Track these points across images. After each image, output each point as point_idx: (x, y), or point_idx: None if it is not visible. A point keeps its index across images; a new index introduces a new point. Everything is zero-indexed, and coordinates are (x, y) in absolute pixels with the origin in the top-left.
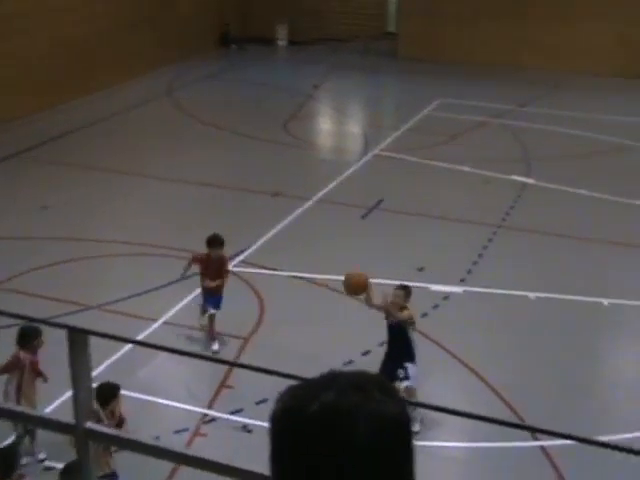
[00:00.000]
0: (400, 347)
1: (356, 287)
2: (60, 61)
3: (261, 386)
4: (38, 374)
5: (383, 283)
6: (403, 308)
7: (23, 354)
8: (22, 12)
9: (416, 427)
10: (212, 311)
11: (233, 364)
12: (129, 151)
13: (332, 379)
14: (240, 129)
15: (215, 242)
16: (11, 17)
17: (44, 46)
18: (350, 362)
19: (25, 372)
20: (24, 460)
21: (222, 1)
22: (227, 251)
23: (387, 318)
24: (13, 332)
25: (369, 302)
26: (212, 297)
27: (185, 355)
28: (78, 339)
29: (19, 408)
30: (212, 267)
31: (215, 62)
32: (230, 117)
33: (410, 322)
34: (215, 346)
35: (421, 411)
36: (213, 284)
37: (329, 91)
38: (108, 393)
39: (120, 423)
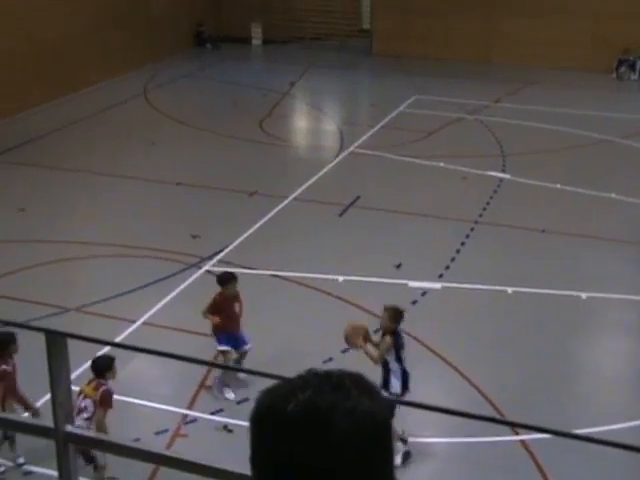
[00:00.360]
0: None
1: (351, 338)
2: (32, 63)
3: (241, 386)
4: (8, 390)
5: (360, 280)
6: (388, 331)
7: None
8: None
9: (397, 459)
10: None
11: (212, 364)
12: (105, 152)
13: (310, 378)
14: (216, 128)
15: (232, 279)
16: None
17: (15, 47)
18: (329, 360)
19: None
20: (1, 467)
21: (196, 1)
22: (204, 251)
23: None
24: None
25: (367, 354)
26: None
27: (164, 356)
28: (56, 342)
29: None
30: (230, 306)
31: (190, 62)
32: (206, 116)
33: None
34: (230, 394)
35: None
36: (217, 320)
37: (304, 89)
38: (103, 364)
39: (103, 400)
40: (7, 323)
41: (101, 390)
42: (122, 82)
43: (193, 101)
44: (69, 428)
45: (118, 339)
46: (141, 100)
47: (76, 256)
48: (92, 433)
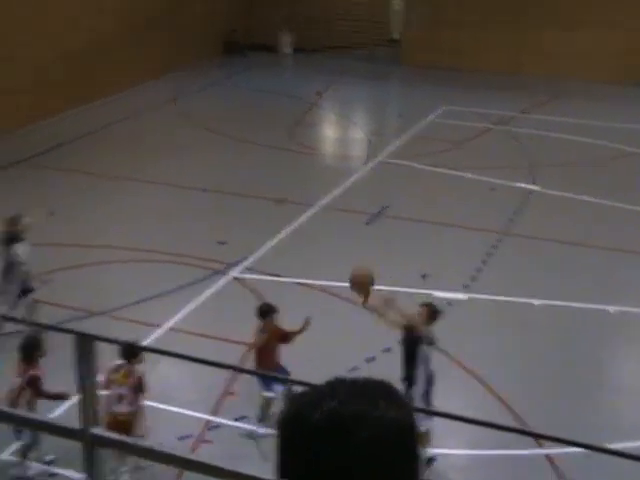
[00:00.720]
0: (406, 367)
1: (359, 284)
2: (63, 68)
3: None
4: (37, 393)
5: (387, 289)
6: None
7: (24, 368)
8: (24, 22)
9: None
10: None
11: (237, 369)
12: (135, 158)
13: (336, 386)
14: (245, 136)
15: (273, 311)
16: (15, 27)
17: (47, 55)
18: (354, 369)
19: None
20: (31, 471)
21: (227, 9)
22: (231, 257)
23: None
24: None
25: (383, 318)
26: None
27: (190, 360)
28: (85, 345)
29: (25, 414)
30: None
31: (220, 69)
32: (235, 124)
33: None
34: (264, 430)
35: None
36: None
37: (333, 98)
38: (129, 351)
39: (140, 385)
40: (37, 325)
41: (137, 376)
42: (152, 88)
43: (222, 108)
44: (96, 430)
45: (144, 343)
46: (170, 106)
47: (103, 260)
48: (118, 436)
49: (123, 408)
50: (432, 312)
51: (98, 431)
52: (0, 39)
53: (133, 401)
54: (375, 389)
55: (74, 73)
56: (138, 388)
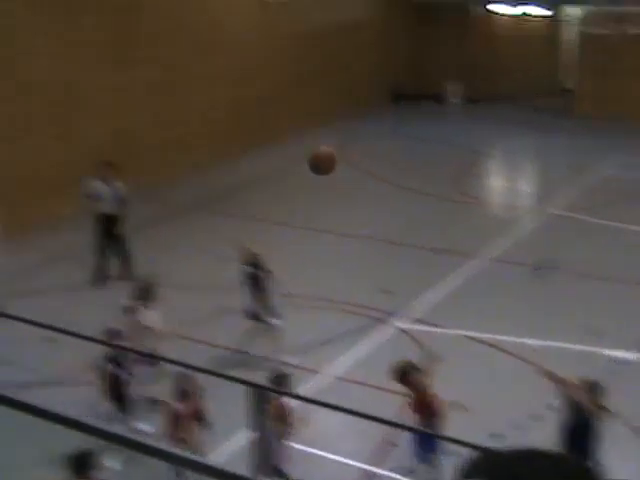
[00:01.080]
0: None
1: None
2: (237, 118)
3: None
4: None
5: (553, 346)
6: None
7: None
8: (204, 74)
9: None
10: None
11: (399, 426)
12: (300, 204)
13: (531, 460)
14: (410, 185)
15: (414, 369)
16: (193, 78)
17: (219, 102)
18: (517, 428)
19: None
20: None
21: (395, 59)
22: (394, 306)
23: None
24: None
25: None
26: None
27: (355, 415)
28: (260, 396)
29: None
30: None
31: (386, 118)
32: (400, 173)
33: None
34: None
35: None
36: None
37: (502, 149)
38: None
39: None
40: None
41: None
42: (320, 136)
43: (388, 157)
44: None
45: (304, 389)
46: (338, 153)
47: None
48: None
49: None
50: (593, 387)
51: None
52: (174, 94)
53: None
54: (574, 472)
55: (248, 120)
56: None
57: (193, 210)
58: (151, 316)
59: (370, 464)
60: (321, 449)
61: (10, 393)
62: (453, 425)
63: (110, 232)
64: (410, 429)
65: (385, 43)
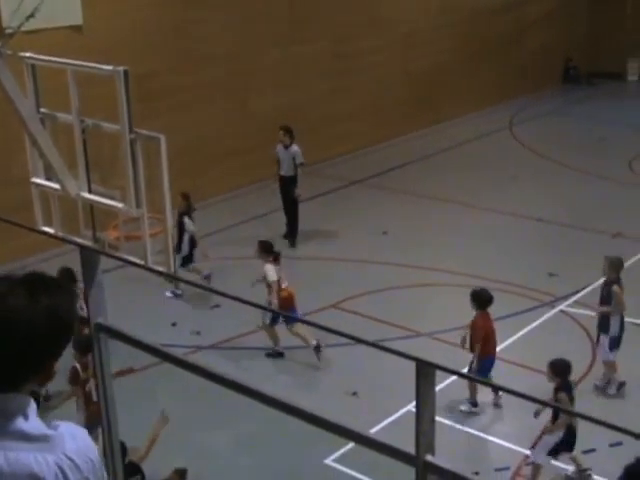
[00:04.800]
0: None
1: None
2: (405, 93)
3: (592, 436)
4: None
5: None
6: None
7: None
8: (377, 47)
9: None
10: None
11: (567, 412)
12: (468, 183)
13: None
14: (580, 166)
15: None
16: (364, 53)
17: (386, 80)
18: None
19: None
20: None
21: (568, 36)
22: (560, 290)
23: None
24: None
25: None
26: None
27: (511, 393)
28: (426, 372)
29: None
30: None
31: (559, 97)
32: (570, 153)
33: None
34: None
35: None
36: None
37: None
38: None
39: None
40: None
41: None
42: (489, 115)
43: (559, 137)
44: (429, 458)
45: (465, 369)
46: (506, 133)
47: (432, 282)
48: (451, 466)
49: None
50: (617, 262)
51: (431, 459)
52: (342, 70)
53: None
54: None
55: (413, 99)
56: None
57: (353, 184)
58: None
59: (531, 449)
60: (482, 431)
61: None
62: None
63: (285, 194)
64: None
65: (560, 18)
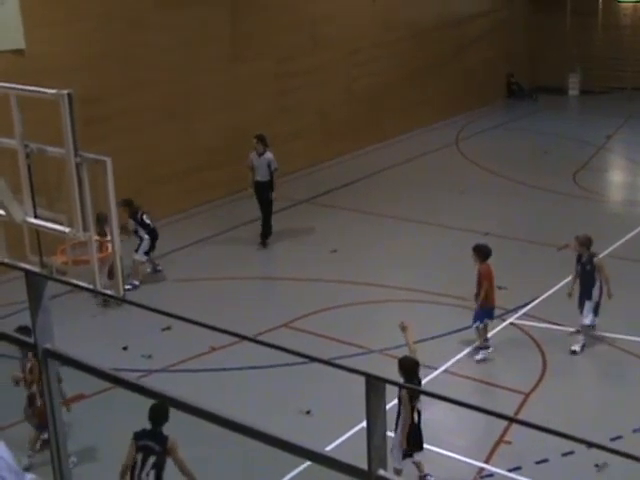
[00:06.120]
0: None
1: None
2: (348, 111)
3: (542, 445)
4: None
5: None
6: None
7: None
8: (320, 66)
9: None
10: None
11: (512, 419)
12: (414, 199)
13: None
14: (525, 179)
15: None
16: (308, 72)
17: (333, 99)
18: (618, 437)
19: None
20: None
21: (509, 51)
22: (509, 303)
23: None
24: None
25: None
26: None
27: (468, 407)
28: (376, 387)
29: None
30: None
31: (503, 112)
32: (516, 167)
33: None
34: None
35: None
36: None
37: (622, 142)
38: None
39: None
40: (327, 363)
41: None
42: (436, 130)
43: (504, 151)
44: (382, 472)
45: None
46: (453, 149)
47: (383, 299)
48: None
49: None
50: (587, 240)
51: (383, 473)
52: (287, 89)
53: None
54: None
55: (359, 116)
56: None
57: (302, 203)
58: None
59: (486, 463)
60: (435, 445)
61: None
62: None
63: (261, 197)
64: (524, 423)
65: (501, 35)
